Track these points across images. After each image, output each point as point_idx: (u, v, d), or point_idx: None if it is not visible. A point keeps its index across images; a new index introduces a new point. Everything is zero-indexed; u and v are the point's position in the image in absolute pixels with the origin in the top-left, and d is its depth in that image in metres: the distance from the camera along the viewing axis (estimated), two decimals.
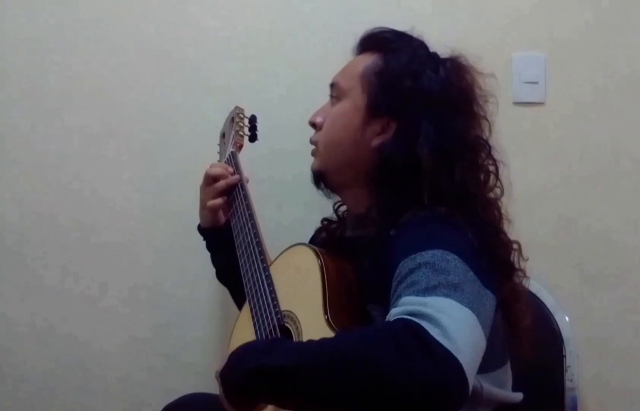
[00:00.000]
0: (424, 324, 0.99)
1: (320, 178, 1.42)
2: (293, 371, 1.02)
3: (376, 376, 0.96)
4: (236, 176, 1.57)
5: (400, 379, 0.95)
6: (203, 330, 1.84)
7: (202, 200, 1.60)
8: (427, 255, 1.11)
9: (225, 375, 1.11)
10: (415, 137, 1.28)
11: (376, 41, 1.39)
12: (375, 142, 1.33)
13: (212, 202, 1.57)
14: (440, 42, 1.38)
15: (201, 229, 1.64)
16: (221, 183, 1.56)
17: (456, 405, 0.98)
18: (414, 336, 0.97)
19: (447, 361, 0.96)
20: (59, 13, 1.84)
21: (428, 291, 1.06)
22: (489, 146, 1.33)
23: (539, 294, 1.63)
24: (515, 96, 1.79)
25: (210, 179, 1.58)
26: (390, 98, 1.32)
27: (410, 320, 1.00)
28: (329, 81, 1.43)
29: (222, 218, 1.60)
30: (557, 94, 1.78)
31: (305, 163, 1.45)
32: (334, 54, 1.50)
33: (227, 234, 1.54)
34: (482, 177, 1.31)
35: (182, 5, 1.84)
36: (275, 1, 1.83)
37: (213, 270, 1.67)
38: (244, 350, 1.12)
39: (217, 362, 1.15)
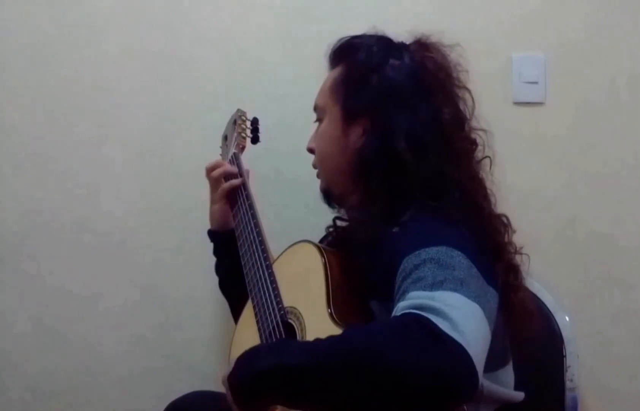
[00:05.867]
0: (433, 318, 0.99)
1: (327, 196, 1.43)
2: (306, 370, 1.02)
3: (388, 371, 0.97)
4: (239, 179, 1.57)
5: (412, 372, 0.96)
6: (203, 330, 1.84)
7: (210, 200, 1.61)
8: (432, 251, 1.11)
9: (234, 379, 1.11)
10: (389, 130, 1.28)
11: (339, 53, 1.40)
12: (357, 144, 1.33)
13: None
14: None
15: (210, 233, 1.64)
16: (226, 184, 1.57)
17: (467, 396, 1.00)
18: (425, 330, 0.98)
19: (458, 353, 0.97)
20: (59, 14, 1.84)
21: (435, 286, 1.06)
22: (468, 119, 1.33)
23: (539, 294, 1.62)
24: (515, 96, 1.79)
25: (213, 180, 1.59)
26: (359, 99, 1.33)
27: (420, 314, 1.00)
28: None
29: (232, 222, 1.58)
30: (556, 94, 1.79)
31: (306, 163, 1.46)
32: None
33: (235, 239, 1.53)
34: (462, 154, 1.30)
35: (183, 6, 1.84)
36: (276, 2, 1.84)
37: (213, 270, 1.66)
38: (252, 352, 1.12)
39: (222, 367, 1.15)
